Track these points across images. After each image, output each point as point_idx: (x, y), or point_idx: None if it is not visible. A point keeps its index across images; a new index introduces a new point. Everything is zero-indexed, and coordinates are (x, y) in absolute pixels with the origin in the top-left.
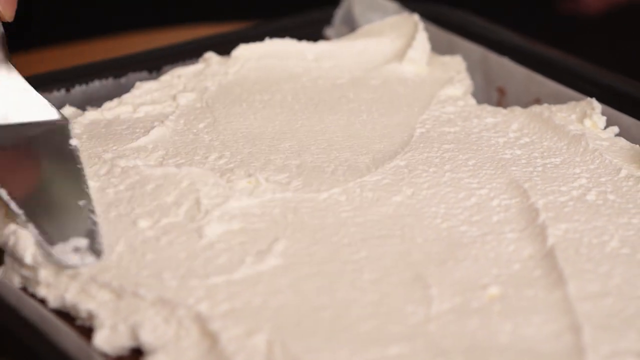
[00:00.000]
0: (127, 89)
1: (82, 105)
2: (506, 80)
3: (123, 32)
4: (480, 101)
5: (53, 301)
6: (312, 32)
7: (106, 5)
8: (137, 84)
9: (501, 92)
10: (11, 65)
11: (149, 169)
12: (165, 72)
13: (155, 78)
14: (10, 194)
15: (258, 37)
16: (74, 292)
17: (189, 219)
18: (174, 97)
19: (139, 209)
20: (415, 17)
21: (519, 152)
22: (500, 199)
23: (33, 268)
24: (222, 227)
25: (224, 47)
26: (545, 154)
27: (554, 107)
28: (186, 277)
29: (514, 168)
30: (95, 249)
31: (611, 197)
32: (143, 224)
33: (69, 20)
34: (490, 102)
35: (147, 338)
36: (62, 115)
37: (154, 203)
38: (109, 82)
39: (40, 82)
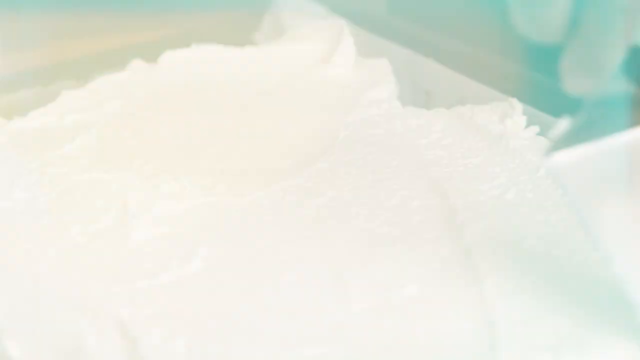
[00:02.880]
0: (54, 97)
1: (9, 114)
2: (433, 83)
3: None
4: (407, 104)
5: None
6: (241, 37)
7: None
8: (64, 92)
9: (428, 94)
10: None
11: (78, 176)
12: (93, 80)
13: (82, 86)
14: None
15: (185, 43)
16: None
17: (117, 224)
18: (101, 105)
19: (71, 215)
20: (342, 21)
21: (440, 152)
22: (421, 199)
23: None
24: (148, 231)
25: (151, 54)
26: (466, 154)
27: (477, 108)
28: (112, 282)
29: (435, 169)
30: None
31: (529, 195)
32: (74, 230)
33: None
34: (417, 105)
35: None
36: None
37: (85, 209)
38: (36, 91)
39: None
